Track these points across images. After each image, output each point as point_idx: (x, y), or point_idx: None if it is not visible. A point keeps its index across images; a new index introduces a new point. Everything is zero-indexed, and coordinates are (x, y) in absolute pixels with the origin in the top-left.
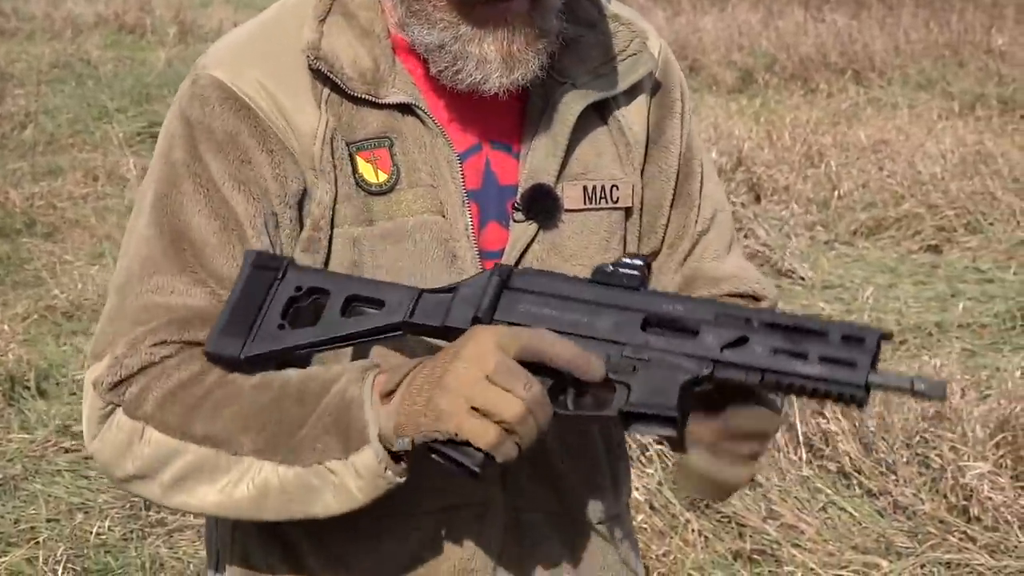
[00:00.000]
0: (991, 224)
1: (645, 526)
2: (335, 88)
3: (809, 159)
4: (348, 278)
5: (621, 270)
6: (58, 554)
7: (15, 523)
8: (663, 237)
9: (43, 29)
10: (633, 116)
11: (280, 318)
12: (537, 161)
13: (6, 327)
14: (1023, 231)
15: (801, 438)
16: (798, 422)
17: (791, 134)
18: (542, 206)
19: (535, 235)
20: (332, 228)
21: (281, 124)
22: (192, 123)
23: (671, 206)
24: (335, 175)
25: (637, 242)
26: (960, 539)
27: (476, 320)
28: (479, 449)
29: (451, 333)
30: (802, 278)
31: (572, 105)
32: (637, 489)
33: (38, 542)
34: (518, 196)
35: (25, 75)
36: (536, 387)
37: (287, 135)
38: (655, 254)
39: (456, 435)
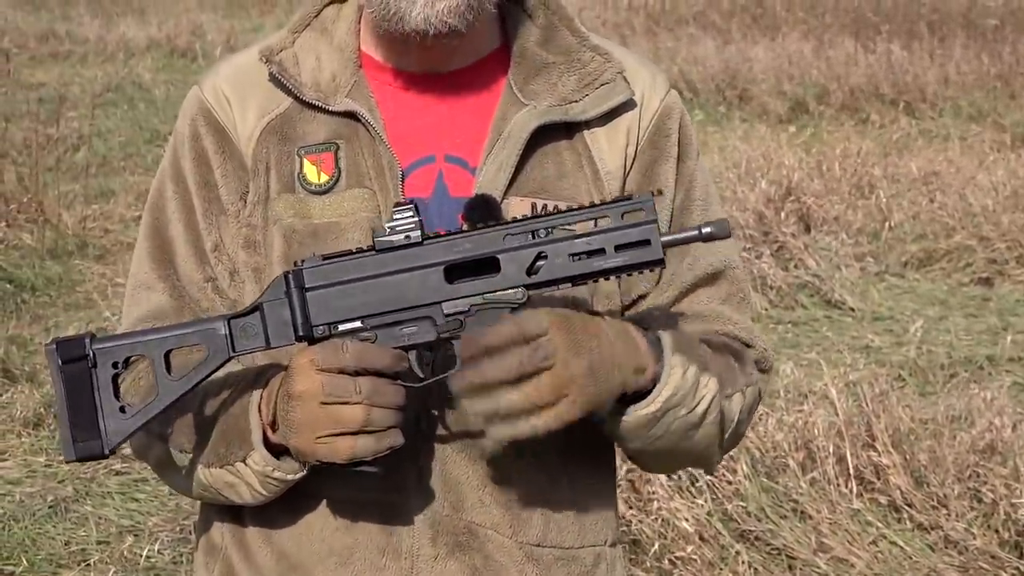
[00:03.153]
0: None
1: (695, 557)
2: (288, 92)
3: (859, 190)
4: (155, 334)
5: (398, 227)
6: None
7: (66, 544)
8: (658, 278)
9: (96, 52)
10: (606, 145)
11: (117, 401)
12: (489, 176)
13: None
14: None
15: (852, 471)
16: (848, 455)
17: (841, 164)
18: (480, 215)
19: None
20: (270, 225)
21: (231, 127)
22: (175, 132)
23: None
24: (266, 176)
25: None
26: (1013, 574)
27: (299, 338)
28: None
29: (278, 347)
30: (852, 309)
31: (528, 124)
32: (687, 520)
33: (88, 564)
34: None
35: (79, 98)
36: (365, 383)
37: (236, 137)
38: (645, 294)
39: (318, 463)
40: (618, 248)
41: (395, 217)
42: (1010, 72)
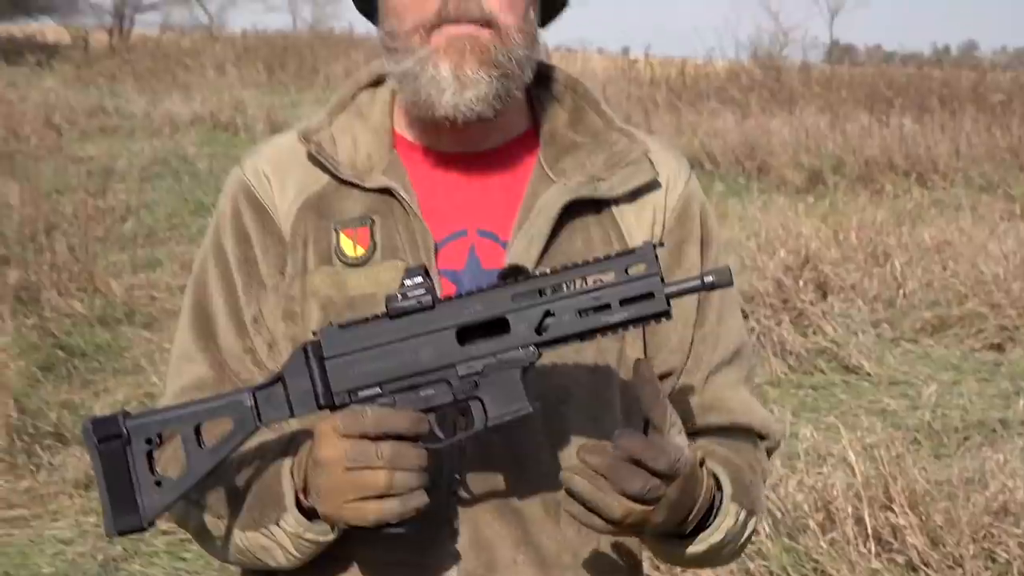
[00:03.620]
0: None
1: None
2: (326, 170)
3: (875, 258)
4: (184, 409)
5: (410, 293)
6: None
7: None
8: (688, 354)
9: (143, 127)
10: (634, 221)
11: (152, 475)
12: (520, 249)
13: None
14: None
15: (870, 531)
16: (867, 516)
17: (857, 234)
18: None
19: None
20: (308, 297)
21: (271, 204)
22: (217, 210)
23: (694, 326)
24: (304, 250)
25: (641, 342)
26: None
27: (321, 406)
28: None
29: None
30: (868, 374)
31: (559, 200)
32: None
33: None
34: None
35: (126, 171)
36: (386, 448)
37: (275, 213)
38: (676, 369)
39: (347, 526)
40: (623, 302)
41: (406, 283)
42: (1019, 144)
